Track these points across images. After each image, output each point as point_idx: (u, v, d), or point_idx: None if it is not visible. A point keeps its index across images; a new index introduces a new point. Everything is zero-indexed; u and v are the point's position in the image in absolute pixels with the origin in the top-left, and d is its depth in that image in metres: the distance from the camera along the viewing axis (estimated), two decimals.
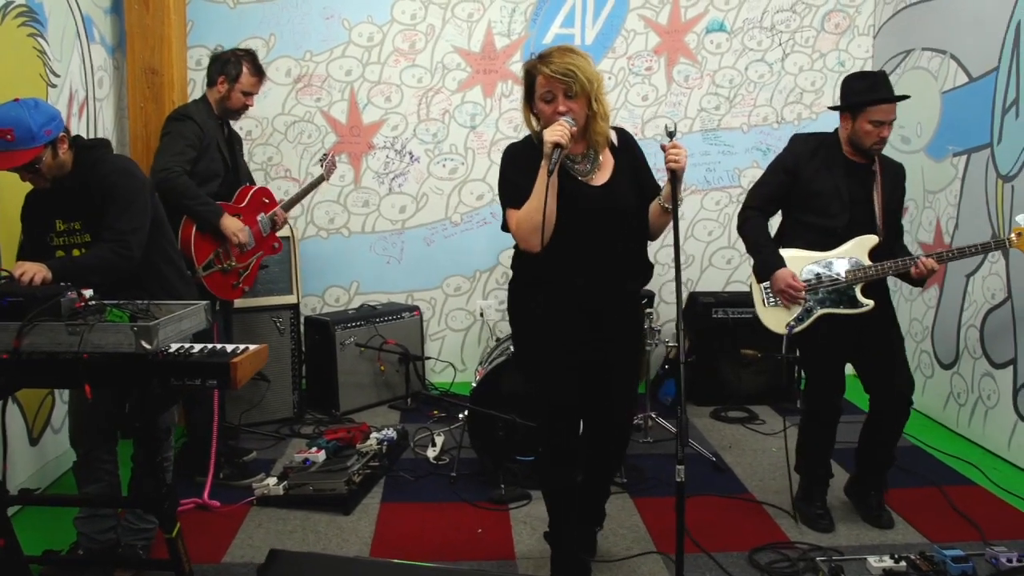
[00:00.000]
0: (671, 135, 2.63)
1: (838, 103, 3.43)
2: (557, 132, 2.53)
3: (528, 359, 2.94)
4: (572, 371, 2.82)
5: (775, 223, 3.62)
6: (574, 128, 2.60)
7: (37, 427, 3.76)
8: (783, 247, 3.48)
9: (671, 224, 2.67)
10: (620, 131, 2.87)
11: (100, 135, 4.44)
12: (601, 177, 2.77)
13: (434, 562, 3.16)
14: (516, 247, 2.86)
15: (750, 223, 3.52)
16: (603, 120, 2.71)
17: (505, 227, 2.80)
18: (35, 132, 2.69)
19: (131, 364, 2.21)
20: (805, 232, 3.44)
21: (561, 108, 2.60)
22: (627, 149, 2.85)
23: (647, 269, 2.91)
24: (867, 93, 3.30)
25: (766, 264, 3.45)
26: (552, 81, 2.59)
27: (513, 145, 2.85)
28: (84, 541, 3.07)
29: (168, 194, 3.62)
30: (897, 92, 3.37)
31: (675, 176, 2.60)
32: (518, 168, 2.71)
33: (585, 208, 2.67)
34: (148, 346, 2.12)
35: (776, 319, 3.49)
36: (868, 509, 3.56)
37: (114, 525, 3.10)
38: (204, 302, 2.53)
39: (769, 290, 3.47)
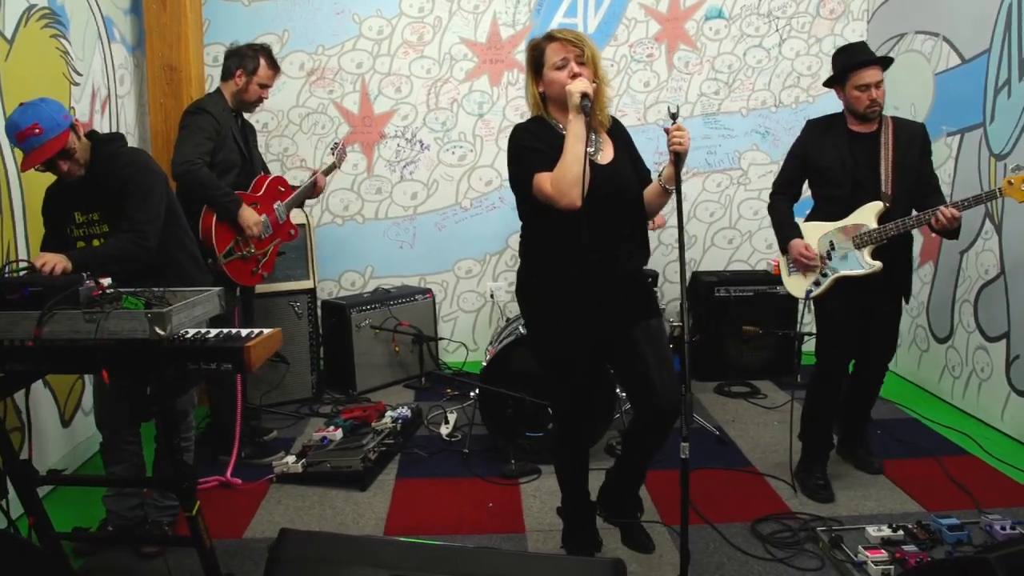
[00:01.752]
0: (674, 117, 2.57)
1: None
2: (582, 83, 2.52)
3: (541, 339, 2.86)
4: (585, 349, 2.75)
5: None
6: (594, 85, 2.57)
7: (68, 410, 3.76)
8: (809, 221, 3.56)
9: (674, 205, 2.64)
10: (612, 119, 2.80)
11: (122, 131, 4.41)
12: (606, 157, 2.72)
13: (446, 536, 3.16)
14: (524, 233, 2.81)
15: (772, 206, 3.66)
16: (605, 94, 2.69)
17: (524, 208, 2.72)
18: (57, 119, 2.69)
19: (146, 350, 2.17)
20: (823, 205, 3.53)
21: (576, 70, 2.57)
22: (620, 133, 2.81)
23: (648, 246, 2.86)
24: (846, 62, 3.37)
25: (783, 237, 3.56)
26: (567, 46, 2.59)
27: (521, 124, 2.77)
28: (113, 518, 3.08)
29: (190, 185, 3.59)
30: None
31: (678, 158, 2.56)
32: (536, 138, 2.66)
33: (595, 184, 2.57)
34: (162, 332, 2.09)
35: (797, 285, 3.57)
36: (859, 461, 3.74)
37: (141, 503, 3.10)
38: (218, 288, 2.49)
39: (790, 260, 3.56)
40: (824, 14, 5.51)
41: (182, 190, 3.63)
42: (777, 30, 5.51)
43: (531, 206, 2.68)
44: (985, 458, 3.83)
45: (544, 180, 2.58)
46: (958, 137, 4.49)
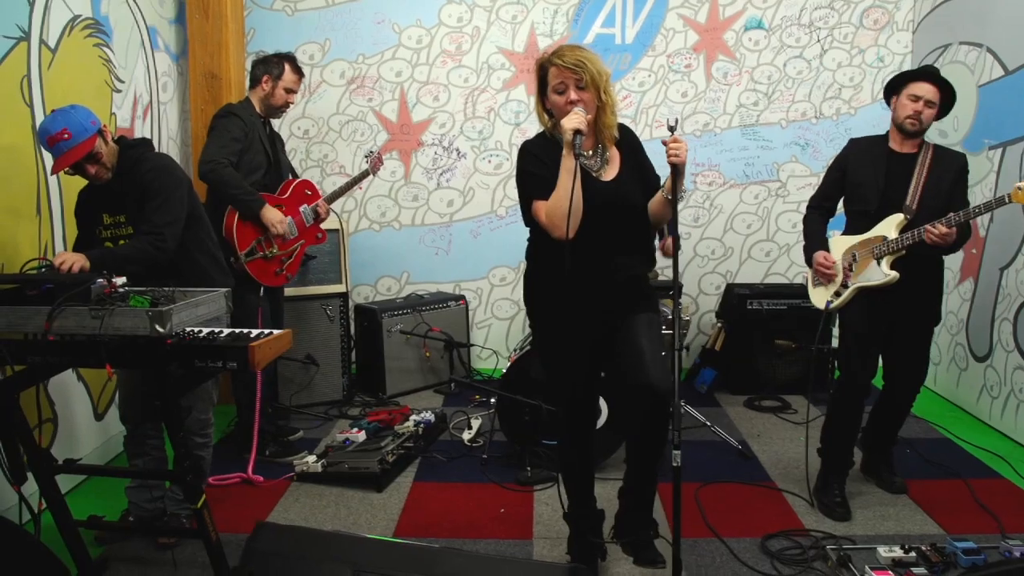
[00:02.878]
0: (672, 130, 2.60)
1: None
2: (575, 119, 2.54)
3: (544, 342, 2.93)
4: (586, 350, 2.79)
5: None
6: (590, 117, 2.61)
7: (102, 404, 3.90)
8: (841, 236, 3.56)
9: (682, 214, 2.68)
10: (621, 126, 2.81)
11: (165, 136, 4.58)
12: (610, 172, 2.76)
13: (454, 539, 3.19)
14: (530, 239, 2.87)
15: (805, 219, 3.67)
16: (611, 114, 2.70)
17: (527, 221, 2.79)
18: (85, 125, 2.81)
19: (151, 346, 2.26)
20: (853, 220, 3.53)
21: (573, 97, 2.60)
22: (630, 144, 2.82)
23: (653, 254, 2.90)
24: (910, 73, 3.43)
25: (807, 250, 3.60)
26: (564, 72, 2.60)
27: (528, 141, 2.82)
28: (134, 509, 3.20)
29: (215, 184, 3.73)
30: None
31: (676, 170, 2.58)
32: (539, 161, 2.71)
33: (596, 202, 2.64)
34: (162, 330, 2.17)
35: (819, 296, 3.57)
36: (882, 480, 3.67)
37: (161, 495, 3.21)
38: (224, 289, 2.57)
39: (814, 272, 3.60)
40: (867, 25, 5.41)
41: (208, 189, 3.76)
42: (818, 40, 5.43)
43: (533, 223, 2.77)
44: (1018, 481, 3.70)
45: (540, 209, 2.65)
46: (1000, 151, 4.36)
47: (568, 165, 2.56)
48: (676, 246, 2.58)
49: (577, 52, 2.63)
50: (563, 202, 2.54)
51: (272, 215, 3.84)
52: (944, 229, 3.13)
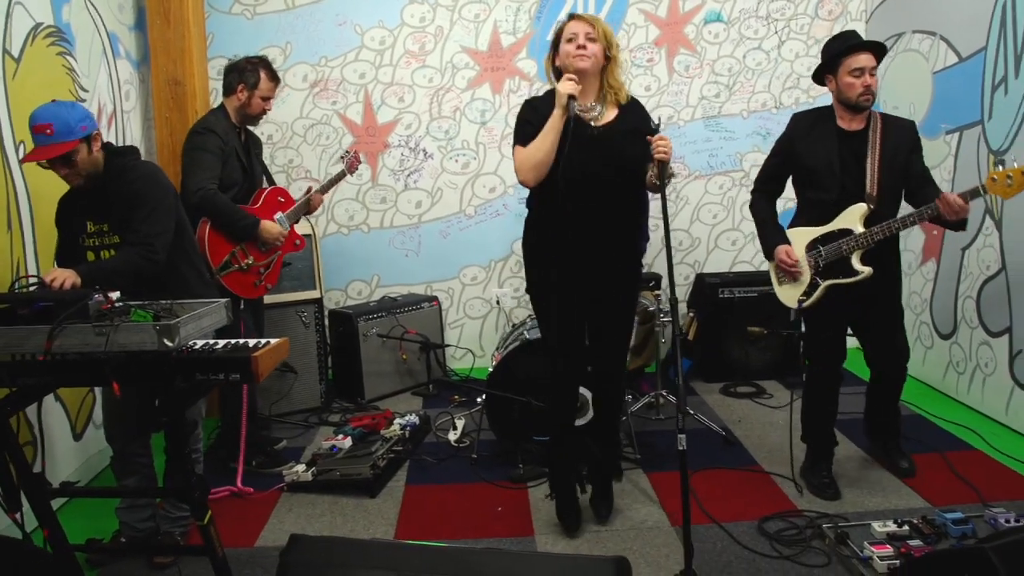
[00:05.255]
0: (657, 129, 2.81)
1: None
2: (569, 85, 2.80)
3: (535, 285, 3.14)
4: (573, 296, 3.03)
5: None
6: (579, 87, 2.83)
7: (80, 423, 3.79)
8: (795, 225, 3.50)
9: (677, 209, 2.76)
10: (634, 100, 3.05)
11: (129, 145, 4.45)
12: (603, 120, 2.96)
13: (456, 540, 3.18)
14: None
15: (754, 205, 3.62)
16: (619, 76, 2.99)
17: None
18: (72, 126, 2.73)
19: (156, 361, 2.20)
20: (808, 208, 3.45)
21: (581, 42, 2.85)
22: (634, 112, 3.00)
23: (641, 212, 3.13)
24: (839, 47, 3.27)
25: (766, 242, 3.52)
26: (579, 23, 2.89)
27: (531, 98, 3.06)
28: (125, 529, 3.11)
29: (209, 212, 3.66)
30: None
31: (663, 166, 2.78)
32: (536, 113, 2.93)
33: (583, 144, 2.84)
34: (170, 344, 2.11)
35: (788, 295, 3.52)
36: (890, 464, 3.69)
37: (153, 514, 3.13)
38: (224, 299, 2.51)
39: (777, 267, 3.50)
40: (823, 15, 5.53)
41: (202, 216, 3.68)
42: (776, 32, 5.53)
43: None
44: (990, 452, 3.83)
45: (517, 154, 2.94)
46: (957, 135, 4.50)
47: (554, 123, 2.81)
48: (668, 241, 2.73)
49: (592, 15, 2.97)
50: (534, 153, 2.84)
51: (270, 231, 3.82)
52: (963, 202, 3.05)
